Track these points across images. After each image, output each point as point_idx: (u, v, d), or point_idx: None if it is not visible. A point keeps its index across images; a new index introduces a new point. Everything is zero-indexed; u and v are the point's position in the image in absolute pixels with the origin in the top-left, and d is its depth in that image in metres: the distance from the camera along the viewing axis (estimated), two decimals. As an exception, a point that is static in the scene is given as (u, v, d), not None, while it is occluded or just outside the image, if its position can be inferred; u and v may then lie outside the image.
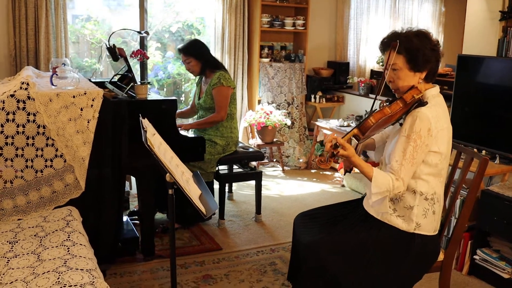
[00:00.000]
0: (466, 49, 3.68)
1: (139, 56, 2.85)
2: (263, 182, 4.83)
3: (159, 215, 3.77)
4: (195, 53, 3.67)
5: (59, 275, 1.90)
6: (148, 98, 2.89)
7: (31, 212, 2.59)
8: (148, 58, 2.90)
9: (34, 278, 1.91)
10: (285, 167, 5.34)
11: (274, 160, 5.46)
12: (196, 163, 3.49)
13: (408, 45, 2.04)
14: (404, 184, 2.02)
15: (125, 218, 3.44)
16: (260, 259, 3.21)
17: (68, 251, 2.13)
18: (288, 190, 4.66)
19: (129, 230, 3.25)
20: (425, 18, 6.29)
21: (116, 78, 3.65)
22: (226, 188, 4.42)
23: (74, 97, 2.57)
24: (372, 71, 5.94)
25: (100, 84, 3.68)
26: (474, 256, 3.04)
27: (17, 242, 2.24)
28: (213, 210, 1.82)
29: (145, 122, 2.07)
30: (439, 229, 2.18)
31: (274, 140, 5.16)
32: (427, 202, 2.09)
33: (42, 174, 2.58)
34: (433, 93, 2.11)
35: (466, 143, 3.36)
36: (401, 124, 2.11)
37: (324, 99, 5.61)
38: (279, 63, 5.42)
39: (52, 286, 1.82)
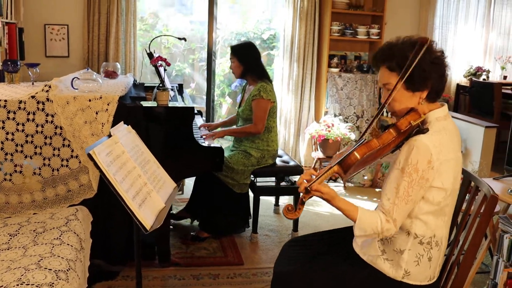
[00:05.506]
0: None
1: (159, 62, 2.88)
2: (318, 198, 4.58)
3: (193, 223, 3.78)
4: (239, 54, 3.60)
5: (25, 272, 1.95)
6: (169, 105, 2.90)
7: (47, 207, 2.73)
8: (169, 65, 2.90)
9: (5, 272, 1.98)
10: (348, 184, 5.05)
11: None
12: (228, 174, 3.42)
13: (401, 60, 1.73)
14: (396, 226, 1.72)
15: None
16: (277, 279, 3.04)
17: (51, 249, 2.19)
18: (342, 209, 4.38)
19: (153, 234, 3.28)
20: (528, 28, 5.56)
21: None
22: (273, 201, 4.31)
23: (90, 100, 2.66)
24: (458, 85, 5.40)
25: (152, 88, 3.81)
26: (520, 311, 2.56)
27: (16, 235, 2.36)
28: (155, 227, 1.75)
29: (122, 129, 2.05)
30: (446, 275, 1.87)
31: (338, 154, 4.89)
32: (422, 247, 1.78)
33: (59, 173, 2.71)
34: (438, 115, 1.78)
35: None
36: None
37: (397, 114, 5.19)
38: (349, 74, 5.14)
39: (12, 282, 1.89)
